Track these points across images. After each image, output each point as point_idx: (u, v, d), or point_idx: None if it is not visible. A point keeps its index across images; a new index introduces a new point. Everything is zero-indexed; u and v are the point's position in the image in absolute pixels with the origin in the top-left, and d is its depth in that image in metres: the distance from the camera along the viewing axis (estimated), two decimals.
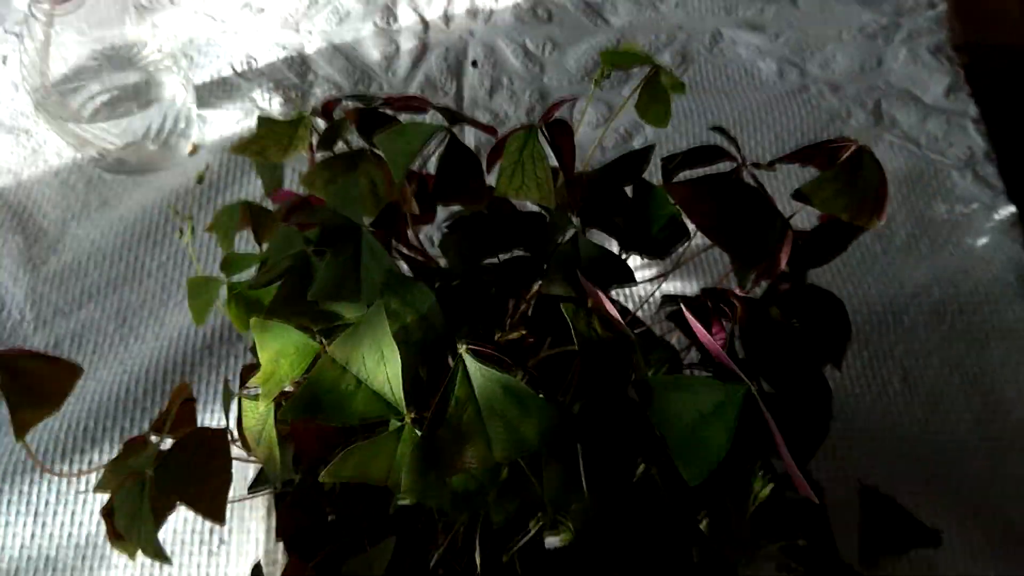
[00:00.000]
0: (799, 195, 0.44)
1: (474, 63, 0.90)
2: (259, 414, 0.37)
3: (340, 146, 0.51)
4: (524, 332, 0.48)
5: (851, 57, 0.93)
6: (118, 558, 0.63)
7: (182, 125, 0.80)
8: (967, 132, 0.87)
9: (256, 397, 0.38)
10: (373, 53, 0.91)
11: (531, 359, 0.43)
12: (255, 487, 0.44)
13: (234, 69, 0.89)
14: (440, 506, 0.33)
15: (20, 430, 0.41)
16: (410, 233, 0.48)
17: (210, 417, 0.69)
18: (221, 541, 0.64)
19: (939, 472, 0.68)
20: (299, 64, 0.90)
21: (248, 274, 0.45)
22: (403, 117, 0.49)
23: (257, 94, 0.87)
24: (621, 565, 0.33)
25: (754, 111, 0.88)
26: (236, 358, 0.71)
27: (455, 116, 0.45)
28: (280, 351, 0.36)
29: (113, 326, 0.73)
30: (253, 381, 0.37)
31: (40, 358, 0.42)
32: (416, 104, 0.49)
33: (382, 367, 0.32)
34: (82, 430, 0.67)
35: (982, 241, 0.81)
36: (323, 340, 0.38)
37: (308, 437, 0.38)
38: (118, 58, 0.75)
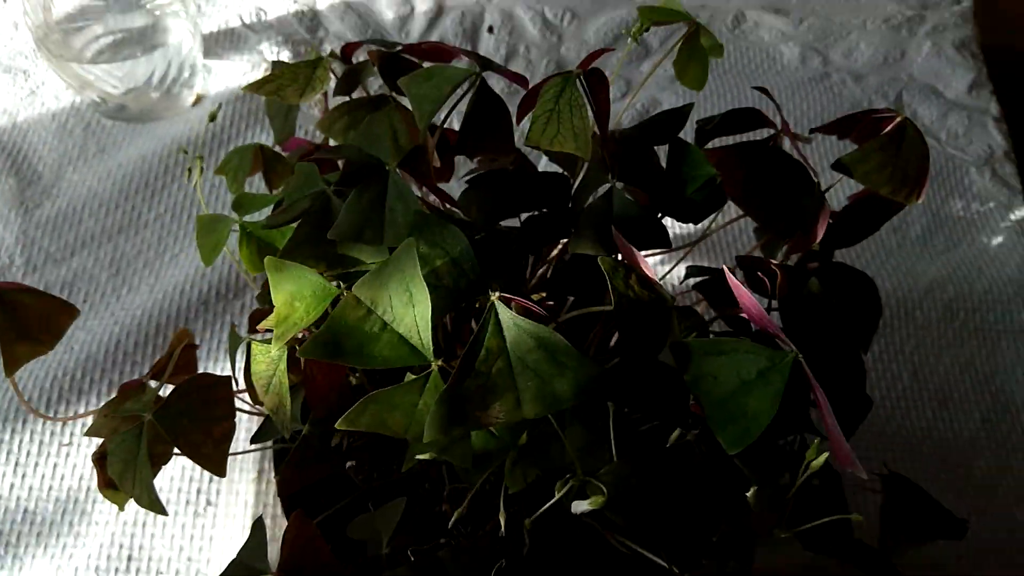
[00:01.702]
0: (840, 166, 0.42)
1: (490, 29, 0.87)
2: (270, 359, 0.35)
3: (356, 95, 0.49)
4: (544, 295, 0.46)
5: (875, 47, 0.91)
6: (99, 514, 0.60)
7: (186, 74, 0.78)
8: (987, 130, 0.86)
9: (267, 342, 0.36)
10: (387, 13, 0.88)
11: (552, 322, 0.41)
12: (257, 439, 0.41)
13: (242, 20, 0.86)
14: (462, 463, 0.31)
15: (10, 366, 0.38)
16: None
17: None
18: (208, 502, 0.62)
19: (945, 470, 0.67)
20: (310, 19, 0.87)
21: (260, 216, 0.43)
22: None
23: (265, 47, 0.84)
24: (649, 535, 0.31)
25: (774, 96, 0.86)
26: (231, 316, 0.69)
27: (485, 63, 0.42)
28: (295, 293, 0.34)
29: (106, 276, 0.70)
30: (265, 323, 0.35)
31: (36, 293, 0.40)
32: (443, 52, 0.46)
33: (410, 310, 0.30)
34: (69, 380, 0.65)
35: (997, 240, 0.80)
36: (341, 284, 0.36)
37: (320, 387, 0.35)
38: None
